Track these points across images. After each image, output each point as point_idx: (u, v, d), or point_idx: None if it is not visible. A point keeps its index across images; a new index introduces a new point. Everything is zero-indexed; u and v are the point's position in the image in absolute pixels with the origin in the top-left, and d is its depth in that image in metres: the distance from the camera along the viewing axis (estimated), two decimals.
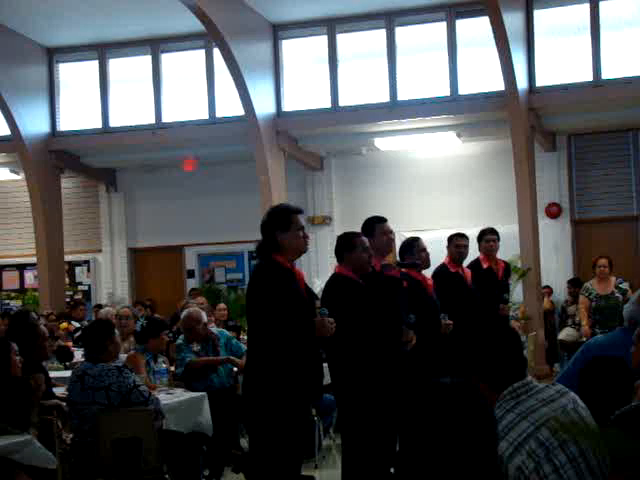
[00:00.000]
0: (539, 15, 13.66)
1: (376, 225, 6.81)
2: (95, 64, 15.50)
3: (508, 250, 11.67)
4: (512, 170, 13.15)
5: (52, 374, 7.86)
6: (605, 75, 13.30)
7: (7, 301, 16.90)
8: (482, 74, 13.79)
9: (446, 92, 13.91)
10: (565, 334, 13.52)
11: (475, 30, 13.77)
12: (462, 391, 2.63)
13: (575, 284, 13.90)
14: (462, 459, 2.47)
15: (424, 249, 7.71)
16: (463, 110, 13.72)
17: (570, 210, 14.61)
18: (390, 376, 6.20)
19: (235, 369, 8.42)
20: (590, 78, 13.32)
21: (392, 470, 6.41)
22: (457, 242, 8.55)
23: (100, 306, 14.10)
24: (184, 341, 8.33)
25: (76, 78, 15.70)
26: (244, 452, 7.86)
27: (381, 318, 6.19)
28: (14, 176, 16.01)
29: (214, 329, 9.00)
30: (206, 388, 7.77)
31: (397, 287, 6.67)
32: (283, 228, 5.30)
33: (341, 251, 6.31)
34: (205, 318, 8.49)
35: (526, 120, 13.16)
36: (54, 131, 15.47)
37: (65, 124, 15.56)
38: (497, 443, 2.60)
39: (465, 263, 8.68)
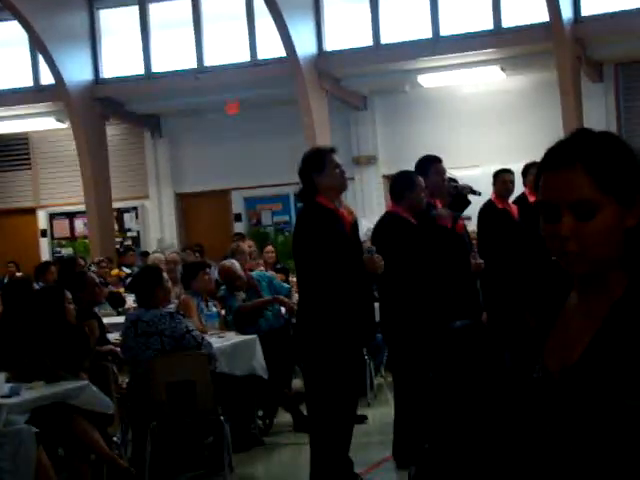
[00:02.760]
0: None
1: (431, 164, 6.74)
2: (135, 9, 15.47)
3: None
4: (558, 102, 12.95)
5: (105, 320, 8.00)
6: None
7: (59, 249, 17.16)
8: (526, 5, 13.53)
9: (489, 25, 13.68)
10: None
11: None
12: (473, 334, 2.66)
13: None
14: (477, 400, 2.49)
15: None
16: (507, 43, 13.49)
17: None
18: (437, 315, 6.21)
19: (283, 309, 8.50)
20: (638, 4, 12.99)
21: None
22: (504, 178, 8.48)
23: (147, 253, 14.24)
24: (226, 292, 8.41)
25: (117, 24, 15.70)
26: (296, 392, 7.96)
27: (432, 260, 6.19)
28: (60, 125, 16.12)
29: (254, 273, 9.07)
30: (257, 332, 7.85)
31: (448, 238, 6.61)
32: (319, 169, 5.33)
33: (402, 189, 6.24)
34: (239, 268, 8.53)
35: (572, 51, 12.91)
36: (97, 79, 15.52)
37: (108, 71, 15.60)
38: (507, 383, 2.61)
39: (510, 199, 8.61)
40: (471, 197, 7.14)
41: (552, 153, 1.79)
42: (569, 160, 1.71)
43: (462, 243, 7.03)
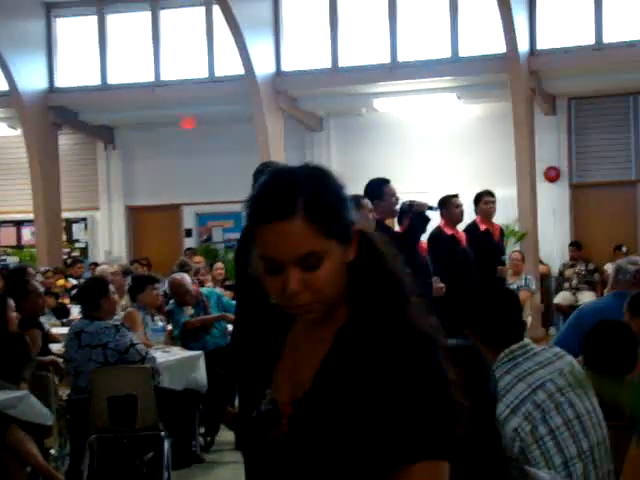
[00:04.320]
0: None
1: (384, 186, 6.76)
2: (93, 19, 15.37)
3: (505, 214, 11.66)
4: (512, 133, 13.10)
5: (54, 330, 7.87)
6: (606, 39, 13.20)
7: (4, 257, 16.90)
8: (484, 35, 13.69)
9: (447, 53, 13.82)
10: (561, 298, 13.56)
11: None
12: (469, 353, 2.62)
13: (577, 247, 13.98)
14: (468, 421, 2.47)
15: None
16: (464, 72, 13.62)
17: (569, 174, 14.57)
18: None
19: (230, 327, 8.44)
20: (592, 41, 13.23)
21: None
22: (455, 203, 8.58)
23: (96, 264, 14.11)
24: (175, 306, 8.34)
25: (74, 33, 15.58)
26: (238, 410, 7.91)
27: None
28: (12, 131, 15.93)
29: (204, 289, 9.01)
30: (202, 348, 7.79)
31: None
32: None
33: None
34: (189, 282, 8.47)
35: (526, 83, 13.08)
36: (52, 87, 15.36)
37: (63, 80, 15.45)
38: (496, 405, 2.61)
39: (461, 226, 8.67)
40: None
41: (265, 202, 1.60)
42: (288, 210, 1.56)
43: (420, 262, 7.09)
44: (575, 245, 14.11)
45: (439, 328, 1.65)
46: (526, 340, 3.22)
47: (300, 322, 1.70)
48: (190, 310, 8.35)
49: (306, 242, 1.55)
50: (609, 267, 10.86)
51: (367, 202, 6.31)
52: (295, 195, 1.57)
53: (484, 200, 8.99)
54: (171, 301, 8.49)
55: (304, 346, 1.69)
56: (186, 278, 8.52)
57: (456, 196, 8.58)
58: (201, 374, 7.21)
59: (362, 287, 1.64)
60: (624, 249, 13.11)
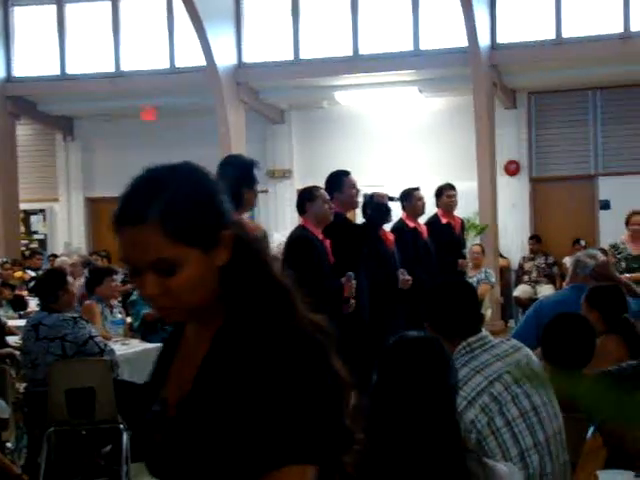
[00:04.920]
0: None
1: (344, 178, 6.81)
2: (52, 8, 15.19)
3: (466, 207, 11.72)
4: (473, 126, 13.16)
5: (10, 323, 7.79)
6: (566, 33, 13.30)
7: None
8: (445, 29, 13.73)
9: (408, 47, 13.84)
10: (521, 291, 13.66)
11: None
12: (430, 345, 2.62)
13: (537, 241, 14.09)
14: (428, 412, 2.47)
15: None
16: (425, 65, 13.66)
17: (529, 168, 14.67)
18: (347, 332, 6.18)
19: None
20: (552, 36, 13.33)
21: None
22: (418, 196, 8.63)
23: (55, 256, 13.99)
24: (138, 297, 8.29)
25: (32, 22, 15.38)
26: None
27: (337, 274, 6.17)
28: None
29: None
30: (162, 341, 7.73)
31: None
32: (250, 184, 5.25)
33: (302, 202, 6.31)
34: None
35: (487, 77, 13.14)
36: (10, 77, 15.18)
37: (21, 70, 15.27)
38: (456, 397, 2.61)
39: (422, 219, 8.69)
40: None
41: (122, 206, 1.58)
42: (139, 217, 1.54)
43: (386, 254, 7.12)
44: (535, 238, 14.23)
45: (326, 328, 1.64)
46: (483, 332, 3.23)
47: (190, 325, 1.72)
48: None
49: (156, 249, 1.53)
50: (567, 260, 10.95)
51: (322, 193, 6.33)
52: (151, 201, 1.54)
53: (445, 193, 9.03)
54: (134, 292, 8.44)
55: (190, 347, 1.71)
56: None
57: (418, 189, 8.62)
58: None
59: (237, 290, 1.63)
60: (582, 243, 13.24)
